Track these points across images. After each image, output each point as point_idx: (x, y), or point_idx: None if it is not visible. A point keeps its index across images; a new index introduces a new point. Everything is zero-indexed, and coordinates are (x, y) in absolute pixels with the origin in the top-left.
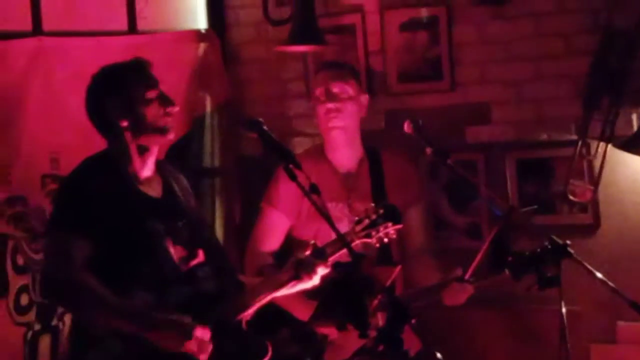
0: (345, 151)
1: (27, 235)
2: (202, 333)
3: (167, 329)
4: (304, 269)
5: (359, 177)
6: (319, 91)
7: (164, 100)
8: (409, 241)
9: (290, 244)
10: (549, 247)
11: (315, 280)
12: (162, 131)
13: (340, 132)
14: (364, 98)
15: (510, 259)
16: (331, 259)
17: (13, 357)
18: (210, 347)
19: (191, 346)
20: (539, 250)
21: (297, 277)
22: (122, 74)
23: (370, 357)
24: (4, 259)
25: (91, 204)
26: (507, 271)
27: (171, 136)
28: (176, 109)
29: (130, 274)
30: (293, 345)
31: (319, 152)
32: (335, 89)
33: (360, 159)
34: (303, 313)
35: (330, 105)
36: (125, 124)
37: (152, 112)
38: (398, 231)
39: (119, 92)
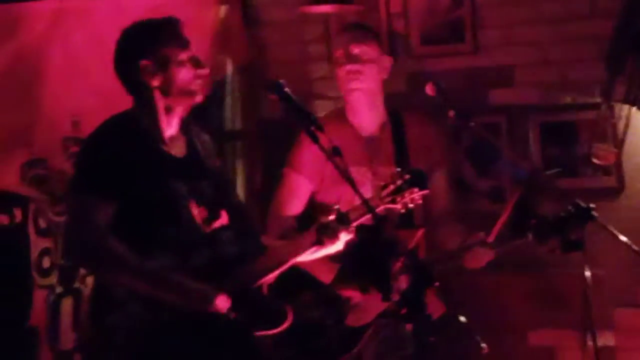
0: (366, 114)
1: (49, 198)
2: (222, 302)
3: (188, 294)
4: (327, 234)
5: (382, 140)
6: (339, 53)
7: (196, 63)
8: (434, 205)
9: (314, 208)
10: (573, 211)
11: (338, 246)
12: (192, 94)
13: (361, 94)
14: (386, 60)
15: (533, 222)
16: (354, 224)
17: (35, 320)
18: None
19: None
20: (563, 214)
21: (320, 242)
22: (155, 32)
23: (393, 320)
24: (26, 222)
25: (112, 165)
26: (530, 236)
27: (199, 99)
28: (206, 71)
29: (153, 236)
30: (316, 309)
31: (341, 115)
32: (356, 51)
33: (382, 123)
34: (326, 276)
35: (350, 67)
36: (156, 83)
37: (183, 74)
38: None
39: (152, 51)
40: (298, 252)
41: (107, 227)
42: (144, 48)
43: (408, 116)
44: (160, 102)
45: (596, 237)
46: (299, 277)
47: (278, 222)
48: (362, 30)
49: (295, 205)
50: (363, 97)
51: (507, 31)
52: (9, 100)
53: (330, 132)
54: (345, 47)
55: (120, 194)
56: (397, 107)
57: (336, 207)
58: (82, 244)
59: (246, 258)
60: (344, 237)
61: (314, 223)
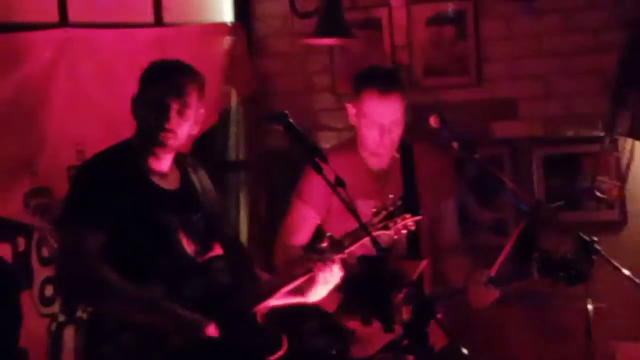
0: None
1: (53, 227)
2: (213, 331)
3: (180, 322)
4: (318, 261)
5: (391, 173)
6: (366, 109)
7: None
8: (442, 236)
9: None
10: (579, 251)
11: (336, 274)
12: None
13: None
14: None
15: (536, 255)
16: (348, 251)
17: (37, 349)
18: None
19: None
20: (569, 255)
21: (311, 270)
22: (151, 73)
23: (396, 351)
24: (29, 251)
25: (101, 196)
26: (535, 275)
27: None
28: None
29: (143, 267)
30: (320, 337)
31: (352, 146)
32: (387, 121)
33: (392, 155)
34: (331, 305)
35: (385, 139)
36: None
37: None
38: (429, 225)
39: (143, 89)
40: (290, 281)
41: (97, 257)
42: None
43: (417, 147)
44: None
45: (599, 270)
46: (305, 305)
47: (285, 251)
48: (391, 93)
49: (301, 235)
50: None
51: (511, 64)
52: (14, 129)
53: (340, 164)
54: (379, 119)
55: (109, 224)
56: (407, 139)
57: (329, 234)
58: (71, 275)
59: (239, 288)
60: (337, 264)
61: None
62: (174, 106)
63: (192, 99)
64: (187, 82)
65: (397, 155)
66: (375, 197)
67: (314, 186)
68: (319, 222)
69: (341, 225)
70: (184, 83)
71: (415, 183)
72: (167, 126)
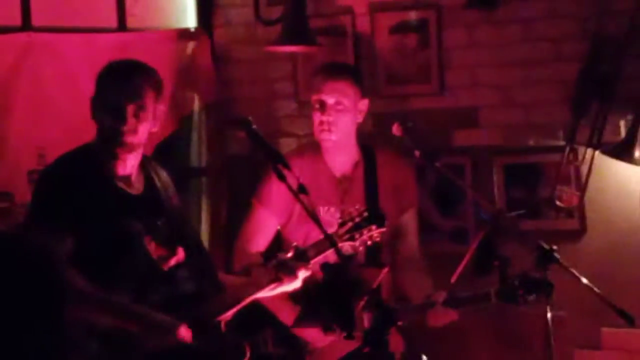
0: (339, 156)
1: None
2: (186, 332)
3: (151, 325)
4: (284, 271)
5: (353, 180)
6: (313, 98)
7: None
8: (402, 246)
9: (281, 243)
10: (537, 266)
11: (297, 283)
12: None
13: (332, 144)
14: (363, 103)
15: (496, 263)
16: (313, 261)
17: None
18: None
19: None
20: (528, 277)
21: (278, 280)
22: (107, 74)
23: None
24: None
25: (66, 200)
26: (493, 299)
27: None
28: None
29: (109, 272)
30: (275, 346)
31: (316, 150)
32: (330, 101)
33: (355, 162)
34: (287, 316)
35: (324, 117)
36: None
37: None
38: (390, 235)
39: (99, 91)
40: (256, 290)
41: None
42: (100, 86)
43: (380, 154)
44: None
45: (558, 278)
46: (260, 314)
47: (243, 257)
48: (340, 75)
49: (260, 240)
50: (334, 145)
51: (473, 73)
52: None
53: (303, 168)
54: (319, 94)
55: (73, 228)
56: (369, 144)
57: (294, 244)
58: None
59: (203, 295)
60: (302, 274)
61: (271, 260)
62: (130, 109)
63: (149, 100)
64: (143, 83)
65: (360, 159)
66: (337, 203)
67: (275, 190)
68: (278, 226)
69: (301, 229)
70: (139, 85)
71: (378, 192)
72: (124, 129)
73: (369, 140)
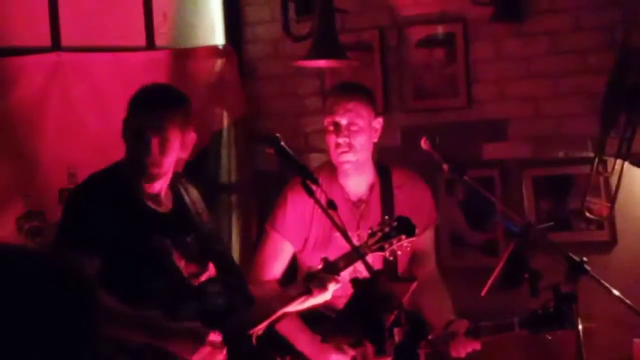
0: (356, 179)
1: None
2: (215, 337)
3: (181, 336)
4: (315, 284)
5: (370, 204)
6: (327, 121)
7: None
8: (420, 268)
9: (296, 269)
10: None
11: (327, 295)
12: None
13: (352, 165)
14: (377, 122)
15: (526, 276)
16: (343, 274)
17: None
18: (224, 351)
19: (205, 352)
20: (552, 309)
21: (308, 292)
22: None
23: None
24: None
25: (93, 220)
26: (517, 330)
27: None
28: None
29: (139, 290)
30: None
31: (332, 172)
32: (344, 122)
33: (371, 184)
34: (305, 346)
35: (340, 139)
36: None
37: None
38: (408, 257)
39: (129, 116)
40: (287, 303)
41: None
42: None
43: (396, 174)
44: None
45: (589, 290)
46: (277, 344)
47: (258, 287)
48: (353, 95)
49: (276, 267)
50: (352, 167)
51: (501, 86)
52: (6, 153)
53: (317, 192)
54: (332, 116)
55: (102, 248)
56: (385, 163)
57: (323, 256)
58: None
59: (234, 310)
60: (333, 287)
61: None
62: (155, 141)
63: (173, 134)
64: (169, 116)
65: (376, 181)
66: (353, 229)
67: (289, 216)
68: (293, 252)
69: (317, 255)
70: (165, 118)
71: (394, 215)
72: (148, 161)
73: (395, 154)
